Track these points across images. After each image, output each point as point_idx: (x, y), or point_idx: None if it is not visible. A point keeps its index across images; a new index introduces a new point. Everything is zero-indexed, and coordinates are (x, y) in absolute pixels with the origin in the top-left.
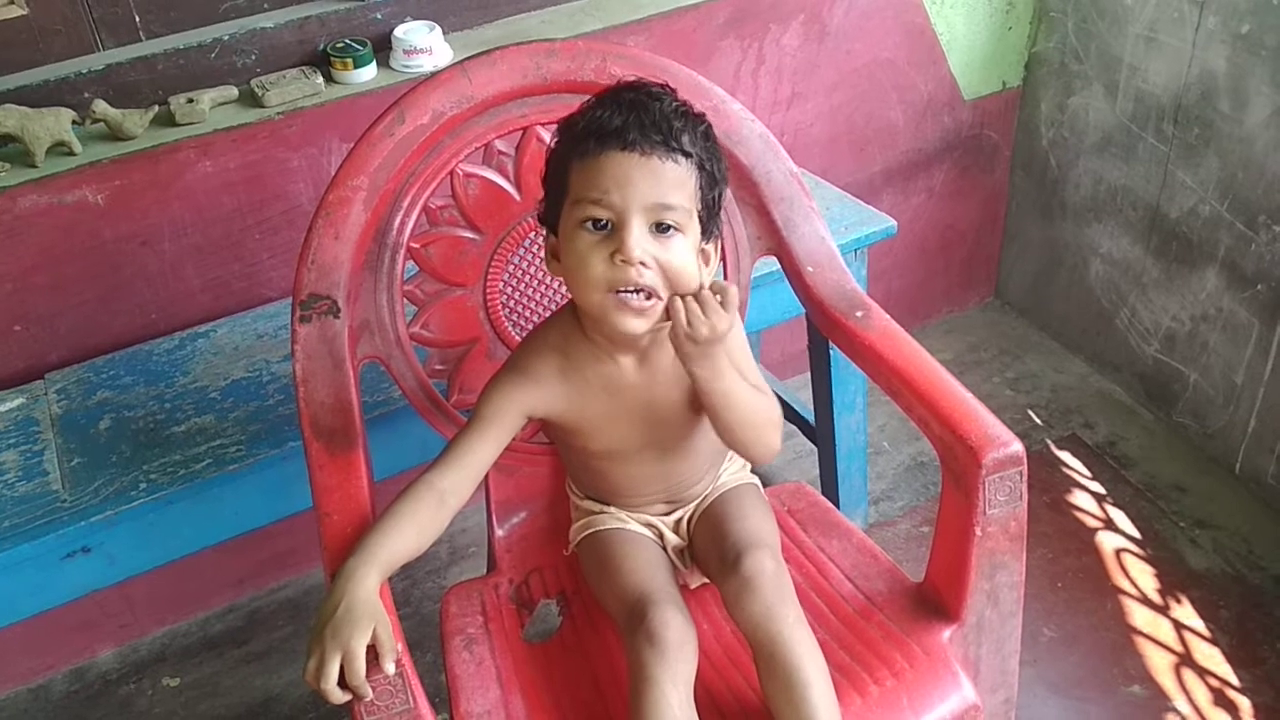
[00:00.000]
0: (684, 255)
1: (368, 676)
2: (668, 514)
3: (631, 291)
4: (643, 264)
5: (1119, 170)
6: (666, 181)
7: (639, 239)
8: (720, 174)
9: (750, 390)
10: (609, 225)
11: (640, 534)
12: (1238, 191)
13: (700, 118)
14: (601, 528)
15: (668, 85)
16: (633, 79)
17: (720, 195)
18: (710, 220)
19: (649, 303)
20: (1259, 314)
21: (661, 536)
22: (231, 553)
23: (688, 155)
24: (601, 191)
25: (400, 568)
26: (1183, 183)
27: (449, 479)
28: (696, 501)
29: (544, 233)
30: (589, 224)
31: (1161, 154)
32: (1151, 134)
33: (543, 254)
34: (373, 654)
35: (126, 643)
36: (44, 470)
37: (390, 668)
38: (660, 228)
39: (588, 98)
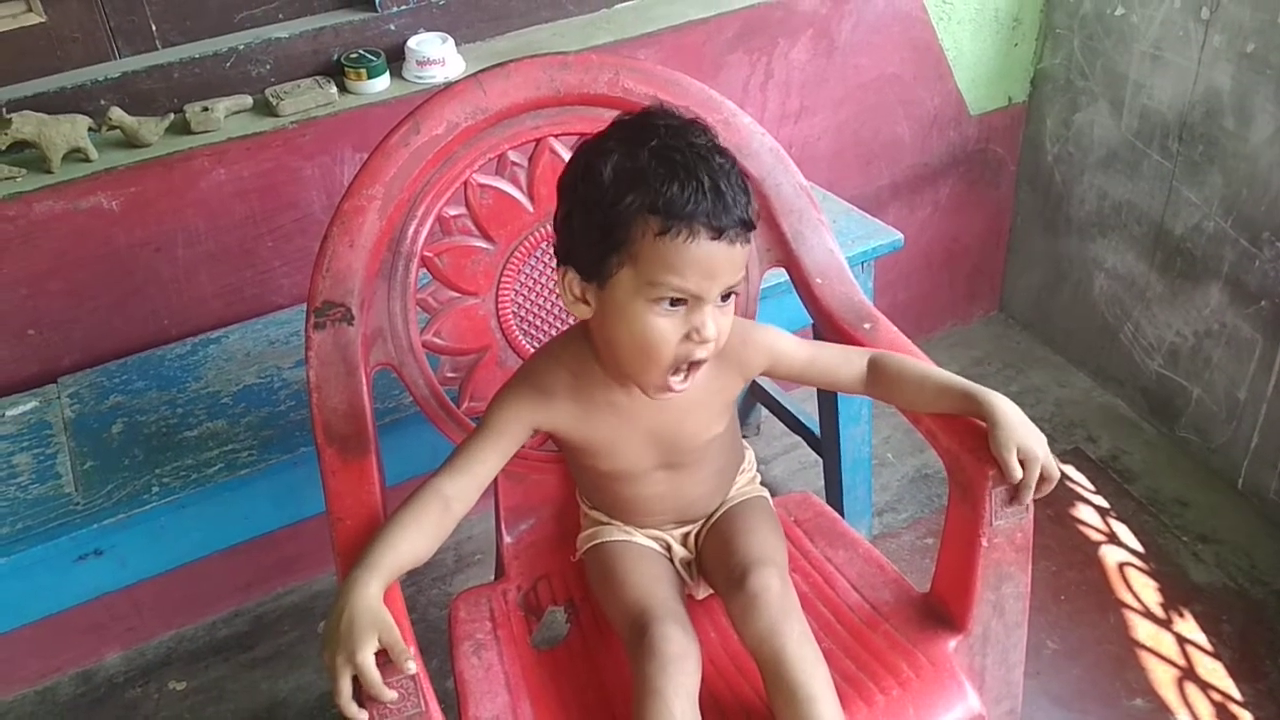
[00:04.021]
0: (732, 313)
1: (387, 680)
2: (676, 529)
3: (685, 372)
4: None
5: (1124, 186)
6: (740, 260)
7: (714, 317)
8: None
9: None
10: (684, 301)
11: (646, 547)
12: (1242, 208)
13: (740, 168)
14: (607, 539)
15: (702, 121)
16: (661, 107)
17: None
18: None
19: (694, 377)
20: (1262, 330)
21: (669, 549)
22: (238, 557)
23: (754, 227)
24: (688, 280)
25: (406, 574)
26: (1187, 199)
27: (455, 485)
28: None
29: (564, 268)
30: (665, 303)
31: (1166, 170)
32: (1156, 150)
33: (553, 266)
34: (383, 658)
35: (134, 646)
36: (57, 473)
37: (410, 667)
38: (724, 296)
39: (621, 118)
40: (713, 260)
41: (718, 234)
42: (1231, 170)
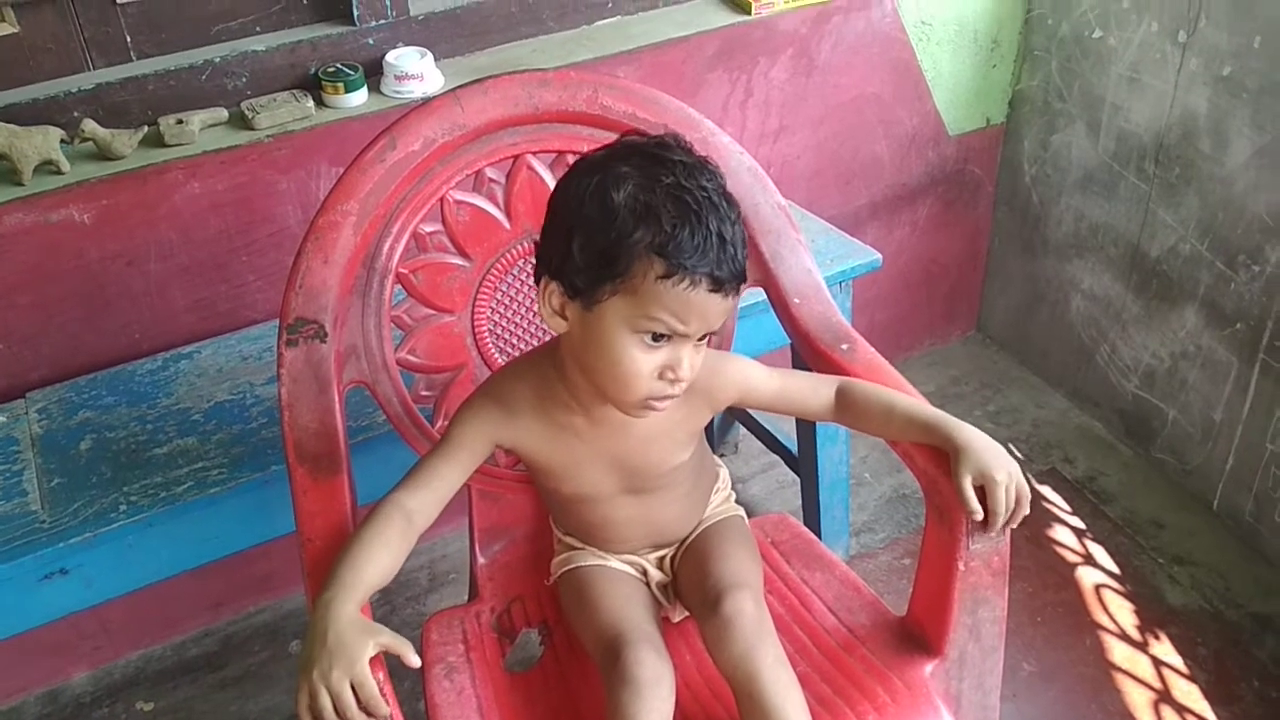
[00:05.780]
0: (704, 350)
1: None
2: (651, 553)
3: (661, 398)
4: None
5: (1101, 208)
6: (730, 309)
7: (689, 356)
8: None
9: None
10: (667, 337)
11: (621, 570)
12: (1218, 231)
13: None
14: (581, 564)
15: (713, 164)
16: (676, 138)
17: None
18: None
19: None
20: (1238, 352)
21: (645, 573)
22: (208, 576)
23: (746, 279)
24: (681, 322)
25: (378, 593)
26: (1163, 221)
27: (417, 499)
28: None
29: (544, 280)
30: (649, 336)
31: (1143, 193)
32: (1133, 173)
33: (531, 282)
34: (376, 666)
35: (100, 666)
36: (23, 490)
37: (416, 660)
38: (701, 337)
39: (632, 140)
40: (706, 308)
41: (717, 286)
42: (1208, 193)
